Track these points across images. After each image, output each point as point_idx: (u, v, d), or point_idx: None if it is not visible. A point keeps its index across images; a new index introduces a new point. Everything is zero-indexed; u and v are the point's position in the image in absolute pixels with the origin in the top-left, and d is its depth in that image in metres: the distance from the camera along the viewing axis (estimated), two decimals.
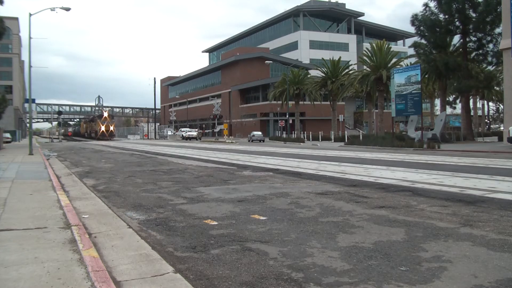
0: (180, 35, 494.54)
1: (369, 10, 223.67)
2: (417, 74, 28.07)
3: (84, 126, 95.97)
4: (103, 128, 75.82)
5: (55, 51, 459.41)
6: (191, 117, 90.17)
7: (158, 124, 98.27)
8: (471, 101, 46.34)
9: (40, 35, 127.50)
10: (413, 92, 27.98)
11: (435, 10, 34.05)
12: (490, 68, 39.83)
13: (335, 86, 48.03)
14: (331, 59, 50.26)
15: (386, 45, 43.34)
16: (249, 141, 49.26)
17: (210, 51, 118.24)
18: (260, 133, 53.32)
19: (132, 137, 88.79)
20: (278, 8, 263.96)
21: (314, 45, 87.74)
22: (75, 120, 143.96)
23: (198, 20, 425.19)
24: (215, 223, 6.06)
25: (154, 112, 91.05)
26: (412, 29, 36.75)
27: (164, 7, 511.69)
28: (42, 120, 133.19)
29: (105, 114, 79.07)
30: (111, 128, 78.80)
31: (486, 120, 67.46)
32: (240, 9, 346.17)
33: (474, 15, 33.23)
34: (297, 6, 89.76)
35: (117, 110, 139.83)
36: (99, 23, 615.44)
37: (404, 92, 28.57)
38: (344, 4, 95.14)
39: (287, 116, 53.57)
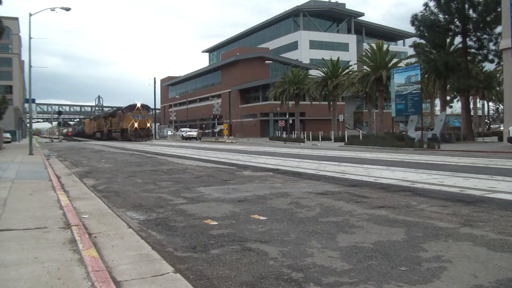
0: (178, 35, 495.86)
1: (364, 9, 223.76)
2: (417, 74, 28.04)
3: (93, 124, 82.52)
4: (136, 124, 56.44)
5: (51, 51, 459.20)
6: (191, 117, 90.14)
7: (158, 124, 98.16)
8: (471, 101, 46.32)
9: (37, 35, 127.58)
10: (413, 92, 27.96)
11: (435, 10, 34.04)
12: (490, 68, 39.87)
13: (335, 86, 48.02)
14: (331, 59, 50.24)
15: (386, 45, 43.35)
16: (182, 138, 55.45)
17: (210, 51, 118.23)
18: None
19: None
20: (272, 8, 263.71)
21: (314, 45, 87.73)
22: (75, 120, 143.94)
23: (194, 20, 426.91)
24: (215, 223, 6.06)
25: (154, 112, 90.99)
26: (411, 29, 36.80)
27: (159, 7, 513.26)
28: (42, 120, 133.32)
29: (138, 105, 58.27)
30: (148, 124, 57.99)
31: (486, 120, 67.39)
32: (233, 9, 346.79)
33: (474, 15, 33.24)
34: (297, 6, 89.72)
35: None
36: (95, 23, 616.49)
37: (404, 92, 28.55)
38: (344, 4, 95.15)
39: (287, 116, 53.54)
